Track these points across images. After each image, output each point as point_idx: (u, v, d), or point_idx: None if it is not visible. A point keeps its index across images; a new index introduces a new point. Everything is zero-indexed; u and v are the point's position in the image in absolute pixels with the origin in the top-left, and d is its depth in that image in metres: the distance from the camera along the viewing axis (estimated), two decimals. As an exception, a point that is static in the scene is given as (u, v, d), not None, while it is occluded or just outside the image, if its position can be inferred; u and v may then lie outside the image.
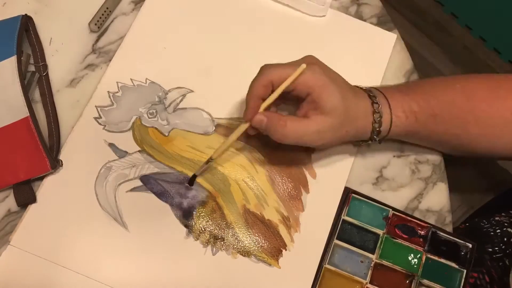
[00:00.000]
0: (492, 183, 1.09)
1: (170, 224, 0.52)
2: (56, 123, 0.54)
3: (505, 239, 0.64)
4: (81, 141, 0.54)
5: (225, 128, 0.56)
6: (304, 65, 0.47)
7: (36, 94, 0.56)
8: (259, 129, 0.50)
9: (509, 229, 0.65)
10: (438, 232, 0.54)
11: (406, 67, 0.62)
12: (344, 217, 0.54)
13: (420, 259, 0.53)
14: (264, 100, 0.49)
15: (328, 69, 0.50)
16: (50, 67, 0.57)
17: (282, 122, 0.48)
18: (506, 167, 1.09)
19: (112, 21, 0.60)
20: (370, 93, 0.52)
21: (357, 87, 0.53)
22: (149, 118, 0.56)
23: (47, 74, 0.57)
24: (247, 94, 0.49)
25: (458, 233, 0.55)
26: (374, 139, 0.52)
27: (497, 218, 0.70)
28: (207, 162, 0.52)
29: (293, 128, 0.48)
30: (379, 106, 0.51)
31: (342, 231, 0.53)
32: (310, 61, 0.49)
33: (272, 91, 0.49)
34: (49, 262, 0.50)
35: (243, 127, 0.50)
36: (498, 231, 0.66)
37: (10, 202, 0.52)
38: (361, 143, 0.55)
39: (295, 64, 0.48)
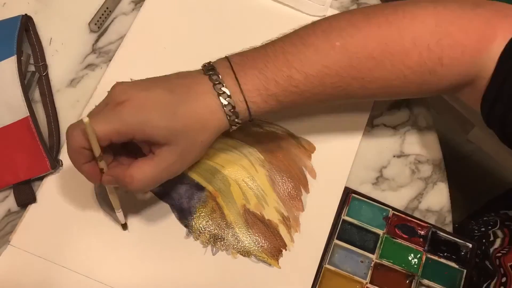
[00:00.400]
0: (492, 184, 1.09)
1: (170, 224, 0.52)
2: (56, 123, 0.54)
3: (484, 240, 0.63)
4: (81, 141, 0.54)
5: (225, 128, 0.56)
6: (86, 120, 0.38)
7: (36, 94, 0.56)
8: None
9: (489, 232, 0.64)
10: (438, 232, 0.54)
11: (406, 67, 0.62)
12: (344, 217, 0.54)
13: (420, 259, 0.53)
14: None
15: (143, 96, 0.41)
16: (50, 67, 0.57)
17: (128, 178, 0.41)
18: (507, 167, 1.09)
19: (112, 21, 0.60)
20: (215, 82, 0.43)
21: (201, 71, 0.45)
22: (149, 118, 0.56)
23: (47, 74, 0.57)
24: (68, 151, 0.42)
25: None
26: (238, 125, 0.45)
27: (485, 218, 0.69)
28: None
29: (143, 177, 0.41)
30: (227, 98, 0.43)
31: (342, 231, 0.53)
32: (116, 99, 0.41)
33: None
34: (49, 262, 0.50)
35: (112, 196, 0.47)
36: (483, 229, 0.66)
37: (10, 202, 0.52)
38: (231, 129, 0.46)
39: (104, 110, 0.41)
